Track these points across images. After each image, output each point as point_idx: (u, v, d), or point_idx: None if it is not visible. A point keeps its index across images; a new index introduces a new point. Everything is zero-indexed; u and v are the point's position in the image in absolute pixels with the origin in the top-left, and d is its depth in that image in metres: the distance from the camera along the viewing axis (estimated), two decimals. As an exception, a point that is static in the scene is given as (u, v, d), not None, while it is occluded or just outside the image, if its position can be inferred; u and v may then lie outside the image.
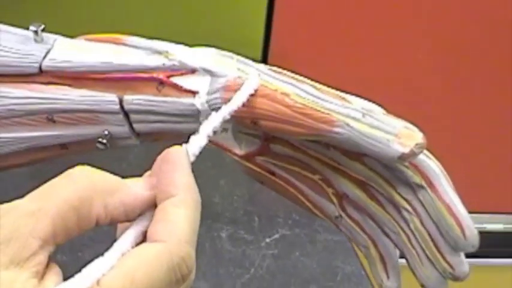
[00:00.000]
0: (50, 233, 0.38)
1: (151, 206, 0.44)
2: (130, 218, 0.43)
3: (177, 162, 0.45)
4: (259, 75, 0.55)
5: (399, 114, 0.55)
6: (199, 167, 0.93)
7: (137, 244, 0.42)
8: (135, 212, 0.43)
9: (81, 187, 0.40)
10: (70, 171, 0.42)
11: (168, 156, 0.45)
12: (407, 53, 1.34)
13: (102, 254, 0.40)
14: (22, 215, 0.38)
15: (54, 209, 0.39)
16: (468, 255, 0.57)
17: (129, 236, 0.43)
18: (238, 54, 0.61)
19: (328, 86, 0.57)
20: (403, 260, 0.60)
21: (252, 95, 0.54)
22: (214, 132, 0.50)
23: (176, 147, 0.46)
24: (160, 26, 1.17)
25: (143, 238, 0.43)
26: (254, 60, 0.60)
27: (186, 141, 0.48)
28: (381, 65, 1.34)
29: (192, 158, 0.47)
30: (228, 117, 0.52)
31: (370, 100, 0.57)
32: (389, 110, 0.56)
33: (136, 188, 0.43)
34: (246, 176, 0.65)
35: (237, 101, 0.53)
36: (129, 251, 0.41)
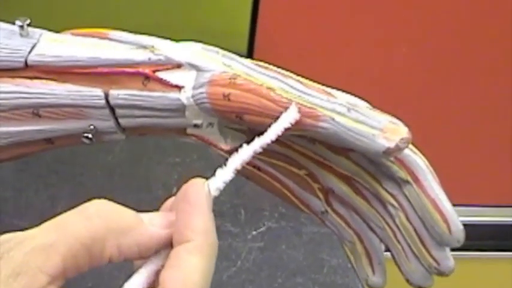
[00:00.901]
0: (60, 269, 0.38)
1: (168, 244, 0.43)
2: (144, 257, 0.43)
3: (197, 204, 0.44)
4: (299, 110, 0.52)
5: (385, 109, 0.55)
6: (185, 159, 0.93)
7: (150, 283, 0.42)
8: (150, 251, 0.43)
9: (95, 226, 0.40)
10: (86, 205, 0.41)
11: (189, 194, 0.44)
12: (392, 47, 1.34)
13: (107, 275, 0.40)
14: (33, 249, 0.38)
15: (65, 246, 0.38)
16: (455, 248, 0.57)
17: (141, 274, 0.42)
18: (224, 47, 0.60)
19: (314, 81, 0.57)
20: (389, 254, 0.60)
21: (243, 91, 0.54)
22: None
23: (198, 184, 0.45)
24: (145, 20, 1.16)
25: (156, 277, 0.42)
26: (240, 53, 0.60)
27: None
28: (366, 59, 1.34)
29: (216, 193, 0.46)
30: (259, 150, 0.49)
31: (355, 95, 0.57)
32: (374, 104, 0.56)
33: (152, 227, 0.43)
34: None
35: (272, 133, 0.51)
36: None
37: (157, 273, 0.42)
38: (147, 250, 0.42)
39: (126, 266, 0.44)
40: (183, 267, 0.41)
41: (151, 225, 0.43)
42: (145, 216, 0.43)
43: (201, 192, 0.44)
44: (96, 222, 0.40)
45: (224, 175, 0.47)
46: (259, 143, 0.49)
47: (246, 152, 0.49)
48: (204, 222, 0.43)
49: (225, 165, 0.47)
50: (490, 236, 1.62)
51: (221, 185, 0.46)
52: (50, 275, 0.37)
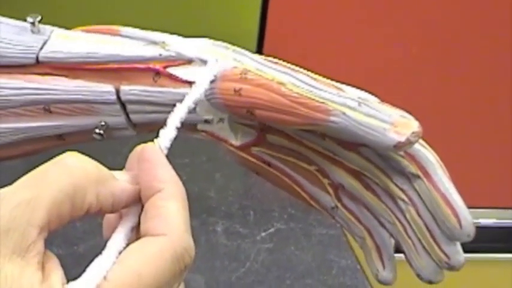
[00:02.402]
0: (45, 220, 0.38)
1: (136, 200, 0.44)
2: (115, 210, 0.44)
3: (155, 158, 0.45)
4: (216, 60, 0.56)
5: (394, 103, 0.55)
6: (194, 160, 0.94)
7: (129, 239, 0.43)
8: (121, 205, 0.43)
9: (76, 175, 0.40)
10: (62, 157, 0.41)
11: (145, 154, 0.45)
12: (401, 45, 1.34)
13: (98, 246, 0.40)
14: (18, 204, 0.38)
15: (49, 197, 0.38)
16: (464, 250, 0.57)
17: (120, 232, 0.43)
18: (233, 45, 0.60)
19: (324, 77, 0.57)
20: (398, 254, 0.60)
21: (242, 83, 0.54)
22: (182, 124, 0.49)
23: (149, 144, 0.46)
24: (155, 18, 1.17)
25: (134, 234, 0.44)
26: (249, 51, 0.60)
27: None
28: (375, 56, 1.34)
29: (165, 151, 0.47)
30: (192, 105, 0.52)
31: (365, 91, 0.57)
32: (384, 101, 0.56)
33: (123, 181, 0.43)
34: (241, 170, 0.65)
35: (199, 89, 0.53)
36: (130, 248, 0.41)
37: (133, 230, 0.44)
38: (119, 202, 0.43)
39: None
40: (165, 213, 0.42)
41: (122, 179, 0.44)
42: (115, 172, 0.44)
43: (155, 149, 0.46)
44: (77, 172, 0.40)
45: (168, 134, 0.48)
46: (191, 99, 0.52)
47: (182, 108, 0.50)
48: (168, 171, 0.44)
49: (166, 125, 0.49)
50: (492, 239, 1.61)
51: (168, 144, 0.48)
52: (38, 226, 0.38)
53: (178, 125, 0.49)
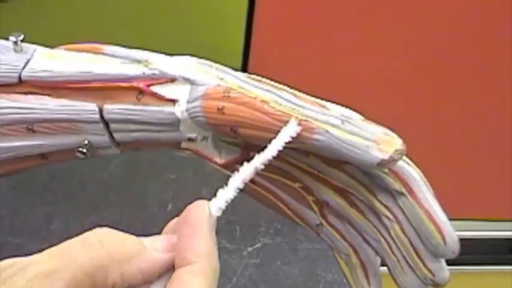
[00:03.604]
0: None
1: (170, 267, 0.43)
2: (148, 282, 0.43)
3: (198, 226, 0.43)
4: (299, 122, 0.52)
5: (379, 122, 0.55)
6: (181, 176, 0.93)
7: None
8: (153, 276, 0.43)
9: (98, 255, 0.40)
10: (88, 234, 0.41)
11: (189, 217, 0.44)
12: (388, 62, 1.34)
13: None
14: (36, 275, 0.38)
15: (69, 274, 0.38)
16: (452, 263, 0.57)
17: None
18: (218, 63, 0.60)
19: (308, 94, 0.57)
20: (385, 268, 0.60)
21: (236, 104, 0.54)
22: (245, 184, 0.48)
23: (200, 206, 0.45)
24: (139, 35, 1.17)
25: None
26: (234, 69, 0.60)
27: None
28: (361, 74, 1.34)
29: (219, 213, 0.46)
30: (261, 167, 0.49)
31: (349, 108, 0.57)
32: (369, 118, 0.56)
33: (154, 252, 0.43)
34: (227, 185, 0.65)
35: (272, 149, 0.50)
36: None
37: None
38: (150, 275, 0.42)
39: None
40: None
41: (153, 250, 0.43)
42: (147, 241, 0.43)
43: (202, 214, 0.44)
44: (99, 251, 0.40)
45: (226, 194, 0.46)
46: (260, 160, 0.49)
47: (248, 169, 0.48)
48: (206, 244, 0.43)
49: (226, 184, 0.47)
50: (486, 251, 1.61)
51: (223, 205, 0.46)
52: None
53: (241, 186, 0.47)
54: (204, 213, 0.44)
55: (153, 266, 0.42)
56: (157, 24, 1.19)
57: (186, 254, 0.42)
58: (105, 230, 0.42)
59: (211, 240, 0.43)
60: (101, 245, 0.40)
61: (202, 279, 0.41)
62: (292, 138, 0.51)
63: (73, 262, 0.39)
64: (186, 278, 0.41)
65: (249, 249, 0.85)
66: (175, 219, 0.46)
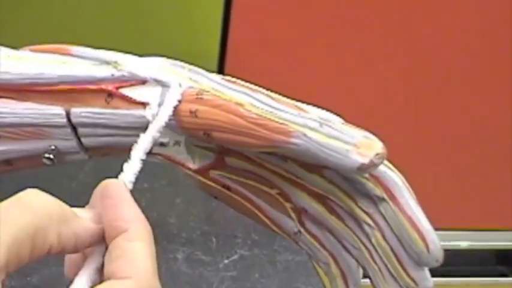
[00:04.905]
0: (3, 262, 0.38)
1: (100, 240, 0.43)
2: (78, 250, 0.43)
3: (120, 196, 0.45)
4: (180, 85, 0.55)
5: (360, 126, 0.55)
6: (154, 185, 0.93)
7: (93, 282, 0.42)
8: (84, 245, 0.43)
9: (38, 214, 0.40)
10: (22, 195, 0.41)
11: (108, 191, 0.45)
12: (367, 65, 1.35)
13: (52, 277, 0.40)
14: None
15: (9, 237, 0.38)
16: (433, 274, 0.57)
17: (84, 274, 0.43)
18: (194, 65, 0.60)
19: (285, 96, 0.57)
20: (367, 280, 0.60)
21: (201, 104, 0.54)
22: (146, 154, 0.49)
23: (113, 180, 0.46)
24: (110, 37, 1.16)
25: (98, 276, 0.43)
26: (210, 72, 0.60)
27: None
28: (339, 76, 1.35)
29: (130, 186, 0.47)
30: (157, 135, 0.52)
31: (328, 111, 0.57)
32: (349, 121, 0.56)
33: (86, 220, 0.43)
34: (202, 194, 0.65)
35: (163, 116, 0.53)
36: None
37: (97, 271, 0.43)
38: (82, 242, 0.43)
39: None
40: (130, 255, 0.42)
41: (85, 218, 0.43)
42: (77, 210, 0.43)
43: (119, 185, 0.46)
44: (39, 210, 0.40)
45: (132, 167, 0.48)
46: (155, 127, 0.52)
47: (146, 139, 0.50)
48: (134, 210, 0.44)
49: (130, 158, 0.49)
50: (473, 262, 1.62)
51: (133, 178, 0.48)
52: None
53: (143, 156, 0.49)
54: (120, 184, 0.46)
55: (87, 232, 0.43)
56: (130, 26, 1.19)
57: (117, 223, 0.43)
58: (38, 191, 0.42)
59: (136, 206, 0.44)
60: (39, 205, 0.40)
61: (142, 242, 0.42)
62: (179, 101, 0.55)
63: (13, 224, 0.39)
64: (126, 245, 0.42)
65: (226, 261, 0.85)
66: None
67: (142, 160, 0.49)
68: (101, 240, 0.43)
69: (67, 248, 0.42)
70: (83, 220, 0.43)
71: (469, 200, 1.54)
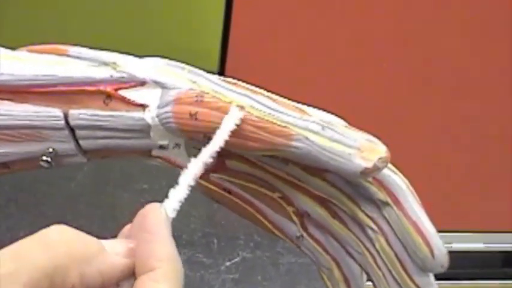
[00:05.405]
0: None
1: (130, 274, 0.43)
2: (106, 287, 0.42)
3: (156, 230, 0.44)
4: (242, 108, 0.53)
5: (362, 128, 0.55)
6: (154, 186, 0.93)
7: None
8: (112, 281, 0.43)
9: (57, 254, 0.39)
10: (45, 231, 0.41)
11: (146, 222, 0.44)
12: (370, 64, 1.34)
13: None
14: None
15: (26, 275, 0.38)
16: (437, 277, 0.56)
17: None
18: (195, 67, 0.60)
19: (287, 99, 0.57)
20: (369, 283, 0.60)
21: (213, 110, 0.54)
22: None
23: (154, 209, 0.45)
24: (109, 37, 1.16)
25: None
26: (211, 72, 0.59)
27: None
28: (342, 77, 1.34)
29: (173, 214, 0.46)
30: (210, 161, 0.50)
31: (330, 113, 0.57)
32: (351, 123, 0.56)
33: (115, 256, 0.43)
34: (204, 195, 0.64)
35: (218, 141, 0.51)
36: None
37: None
38: (110, 279, 0.42)
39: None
40: None
41: (114, 253, 0.43)
42: (107, 243, 0.43)
43: (158, 218, 0.45)
44: (58, 249, 0.40)
45: (178, 194, 0.47)
46: (208, 153, 0.50)
47: (197, 165, 0.49)
48: (166, 248, 0.43)
49: (177, 183, 0.47)
50: (478, 264, 1.62)
51: (177, 205, 0.46)
52: None
53: (192, 183, 0.48)
54: (160, 216, 0.45)
55: (114, 269, 0.42)
56: (130, 25, 1.19)
57: (147, 260, 0.42)
58: (63, 227, 0.41)
59: (171, 243, 0.44)
60: (60, 243, 0.40)
61: (166, 284, 0.42)
62: (237, 125, 0.52)
63: (30, 262, 0.38)
64: (150, 285, 0.41)
65: (227, 263, 0.85)
66: (129, 225, 0.46)
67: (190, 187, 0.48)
68: (132, 275, 0.43)
69: (92, 286, 0.41)
70: (111, 256, 0.42)
71: (473, 202, 1.54)
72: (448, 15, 1.33)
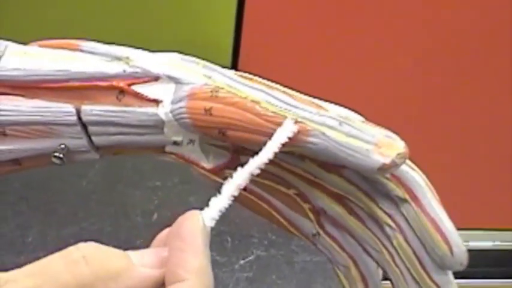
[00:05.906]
0: None
1: (161, 283, 0.43)
2: None
3: (191, 239, 0.43)
4: (296, 121, 0.52)
5: (378, 123, 0.55)
6: (167, 183, 0.93)
7: None
8: None
9: (82, 272, 0.39)
10: (71, 249, 0.41)
11: (182, 230, 0.44)
12: (383, 58, 1.34)
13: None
14: None
15: None
16: (456, 276, 0.56)
17: None
18: (207, 61, 0.60)
19: (302, 93, 0.56)
20: (387, 282, 0.60)
21: (227, 105, 0.53)
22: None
23: (192, 217, 0.45)
24: (121, 32, 1.16)
25: None
26: (224, 67, 0.59)
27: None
28: (359, 72, 1.34)
29: (211, 223, 0.45)
30: (256, 172, 0.49)
31: (347, 107, 0.56)
32: (367, 118, 0.56)
33: (143, 269, 0.42)
34: (216, 192, 0.64)
35: (267, 152, 0.50)
36: None
37: None
38: None
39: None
40: None
41: (142, 265, 0.42)
42: (136, 256, 0.43)
43: (195, 227, 0.44)
44: (83, 268, 0.39)
45: (220, 204, 0.46)
46: (254, 164, 0.49)
47: (242, 175, 0.48)
48: (198, 260, 0.42)
49: (219, 192, 0.47)
50: (497, 263, 1.61)
51: (217, 215, 0.46)
52: None
53: (236, 193, 0.47)
54: (197, 225, 0.44)
55: (142, 283, 0.42)
56: (143, 20, 1.19)
57: (176, 270, 0.42)
58: (89, 245, 0.41)
59: (204, 254, 0.43)
60: (85, 262, 0.40)
61: None
62: (290, 139, 0.51)
63: (54, 281, 0.38)
64: None
65: (241, 262, 0.85)
66: (166, 230, 0.45)
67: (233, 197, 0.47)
68: (163, 283, 0.43)
69: None
70: (139, 270, 0.42)
71: (493, 198, 1.54)
72: (460, 7, 1.32)
